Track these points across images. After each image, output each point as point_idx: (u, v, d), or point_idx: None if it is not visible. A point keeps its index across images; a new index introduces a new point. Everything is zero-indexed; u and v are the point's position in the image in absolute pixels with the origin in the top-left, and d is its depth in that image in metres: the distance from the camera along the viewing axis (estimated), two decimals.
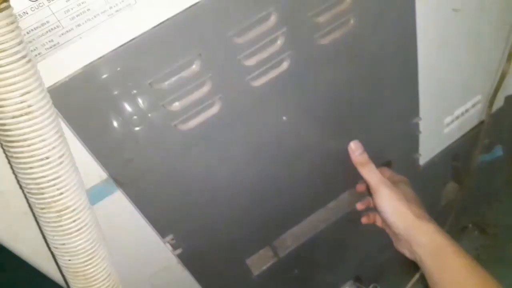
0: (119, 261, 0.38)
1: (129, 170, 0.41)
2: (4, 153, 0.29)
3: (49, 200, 0.30)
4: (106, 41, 0.34)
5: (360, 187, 0.60)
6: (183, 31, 0.37)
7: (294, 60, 0.45)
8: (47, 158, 0.28)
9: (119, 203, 0.43)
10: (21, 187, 0.30)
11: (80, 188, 0.32)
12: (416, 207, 0.52)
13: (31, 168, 0.28)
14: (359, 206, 0.60)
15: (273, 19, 0.41)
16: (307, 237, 0.62)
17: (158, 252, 0.50)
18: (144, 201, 0.44)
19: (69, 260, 0.32)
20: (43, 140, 0.28)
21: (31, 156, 0.28)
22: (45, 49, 0.32)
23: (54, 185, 0.29)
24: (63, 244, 0.32)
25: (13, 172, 0.30)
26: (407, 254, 0.53)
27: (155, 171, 0.43)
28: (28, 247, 0.40)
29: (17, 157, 0.28)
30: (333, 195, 0.62)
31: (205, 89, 0.41)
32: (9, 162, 0.30)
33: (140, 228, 0.46)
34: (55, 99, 0.31)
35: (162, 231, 0.48)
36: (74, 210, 0.31)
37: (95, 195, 0.41)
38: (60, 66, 0.33)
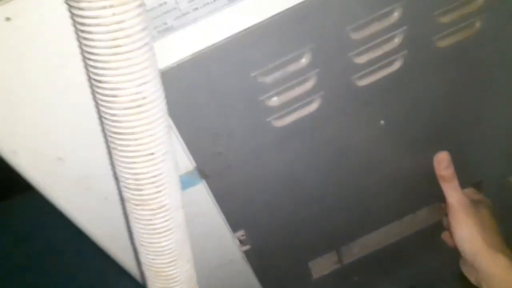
0: None
1: (216, 163, 0.38)
2: (106, 142, 0.27)
3: (146, 197, 0.27)
4: (220, 28, 0.30)
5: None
6: (300, 23, 0.33)
7: (407, 61, 0.40)
8: (152, 154, 0.26)
9: (199, 195, 0.40)
10: (116, 178, 0.28)
11: (177, 186, 0.29)
12: (491, 235, 0.48)
13: (134, 162, 0.26)
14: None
15: (396, 15, 0.37)
16: (376, 248, 0.58)
17: (225, 246, 0.48)
18: (223, 195, 0.41)
19: (153, 259, 0.30)
20: (151, 135, 0.25)
21: (137, 151, 0.25)
22: (157, 32, 0.29)
23: (154, 182, 0.27)
24: (151, 243, 0.29)
25: (110, 162, 0.28)
26: (472, 280, 0.50)
27: (240, 166, 0.40)
28: (105, 232, 0.38)
29: (121, 150, 0.26)
30: (410, 209, 0.58)
31: (308, 85, 0.38)
32: (109, 151, 0.27)
33: (214, 221, 0.44)
34: None
35: (234, 226, 0.45)
36: (168, 209, 0.28)
37: None
38: (168, 51, 0.30)
